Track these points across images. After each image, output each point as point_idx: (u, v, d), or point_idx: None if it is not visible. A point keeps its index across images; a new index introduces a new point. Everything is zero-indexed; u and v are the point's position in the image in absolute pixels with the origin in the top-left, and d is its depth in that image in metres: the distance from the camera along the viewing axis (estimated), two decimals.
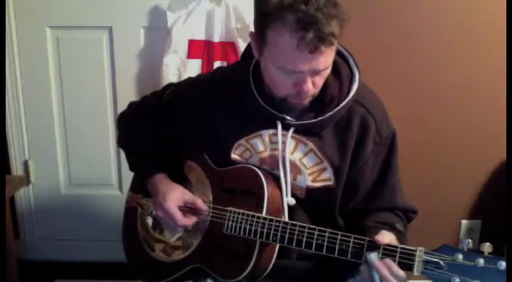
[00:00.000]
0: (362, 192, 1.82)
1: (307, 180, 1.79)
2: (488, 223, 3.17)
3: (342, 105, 1.73)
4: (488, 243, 1.38)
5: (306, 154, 1.78)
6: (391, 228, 1.72)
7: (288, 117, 1.75)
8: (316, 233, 1.62)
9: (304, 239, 1.63)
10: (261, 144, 1.81)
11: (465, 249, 1.40)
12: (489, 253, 1.37)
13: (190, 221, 1.84)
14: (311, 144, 1.76)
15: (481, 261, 1.35)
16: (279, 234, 1.67)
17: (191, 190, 1.92)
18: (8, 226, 2.63)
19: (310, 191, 1.80)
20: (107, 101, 3.16)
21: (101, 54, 3.09)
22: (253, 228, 1.71)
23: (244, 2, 2.75)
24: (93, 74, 3.13)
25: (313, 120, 1.74)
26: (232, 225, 1.76)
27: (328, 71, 1.66)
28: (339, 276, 1.85)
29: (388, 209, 1.84)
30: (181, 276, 1.92)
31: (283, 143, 1.76)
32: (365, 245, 1.56)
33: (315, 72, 1.60)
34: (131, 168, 2.07)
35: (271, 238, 1.68)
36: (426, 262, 1.43)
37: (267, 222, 1.69)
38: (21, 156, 3.25)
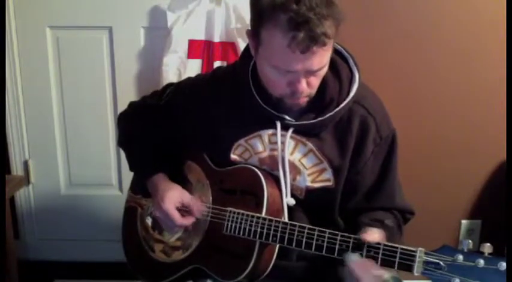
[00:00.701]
0: (361, 192, 1.82)
1: (307, 180, 1.79)
2: (488, 223, 3.17)
3: (341, 105, 1.73)
4: (488, 244, 1.38)
5: (305, 154, 1.77)
6: (381, 224, 1.72)
7: (288, 117, 1.75)
8: (316, 233, 1.62)
9: (304, 240, 1.63)
10: (260, 144, 1.81)
11: (465, 250, 1.40)
12: (489, 254, 1.37)
13: (188, 221, 1.85)
14: (310, 145, 1.76)
15: (481, 261, 1.35)
16: (279, 234, 1.67)
17: (191, 190, 1.93)
18: (8, 226, 2.63)
19: (309, 191, 1.80)
20: (107, 101, 3.16)
21: (101, 54, 3.09)
22: (252, 229, 1.71)
23: (244, 2, 2.75)
24: (93, 74, 3.13)
25: (313, 121, 1.73)
26: (232, 225, 1.76)
27: (324, 71, 1.65)
28: (338, 277, 1.85)
29: (386, 208, 1.83)
30: (181, 277, 1.92)
31: (283, 143, 1.76)
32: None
33: (309, 72, 1.60)
34: (131, 168, 2.07)
35: (270, 238, 1.68)
36: (426, 263, 1.43)
37: (266, 222, 1.69)
38: (21, 156, 3.25)
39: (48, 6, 3.02)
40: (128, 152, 2.09)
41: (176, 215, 1.83)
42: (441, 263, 1.40)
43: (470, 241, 1.40)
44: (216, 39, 2.86)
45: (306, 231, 1.64)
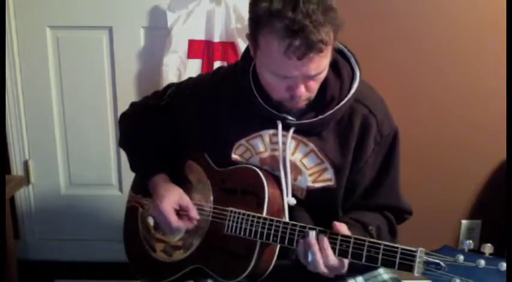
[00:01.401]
0: (360, 190, 1.82)
1: (308, 180, 1.78)
2: (488, 223, 3.17)
3: (342, 103, 1.72)
4: (489, 244, 1.37)
5: (306, 155, 1.77)
6: (364, 228, 1.73)
7: (289, 117, 1.75)
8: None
9: None
10: (261, 144, 1.81)
11: (466, 250, 1.40)
12: (490, 254, 1.37)
13: (184, 223, 1.84)
14: (312, 145, 1.76)
15: (482, 262, 1.35)
16: (280, 234, 1.67)
17: (192, 190, 1.93)
18: (8, 226, 2.63)
19: (310, 191, 1.80)
20: (107, 101, 3.16)
21: (101, 54, 3.10)
22: (253, 229, 1.70)
23: (244, 2, 2.75)
24: (93, 74, 3.13)
25: (314, 119, 1.73)
26: (232, 225, 1.75)
27: (323, 75, 1.65)
28: (339, 277, 1.84)
29: (382, 207, 1.83)
30: (182, 277, 1.91)
31: (284, 143, 1.76)
32: (365, 246, 1.55)
33: (308, 77, 1.59)
34: (132, 168, 2.07)
35: (271, 238, 1.68)
36: (427, 263, 1.43)
37: (267, 222, 1.69)
38: (21, 156, 3.25)
39: (48, 6, 3.02)
40: (129, 153, 2.09)
41: (173, 217, 1.83)
42: (442, 263, 1.40)
43: (470, 241, 1.40)
44: (216, 39, 2.86)
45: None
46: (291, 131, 1.75)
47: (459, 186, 3.11)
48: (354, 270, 1.81)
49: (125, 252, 2.12)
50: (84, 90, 3.16)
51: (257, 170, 1.77)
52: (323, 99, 1.73)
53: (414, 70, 2.97)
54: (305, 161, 1.77)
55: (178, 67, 2.89)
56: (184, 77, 2.68)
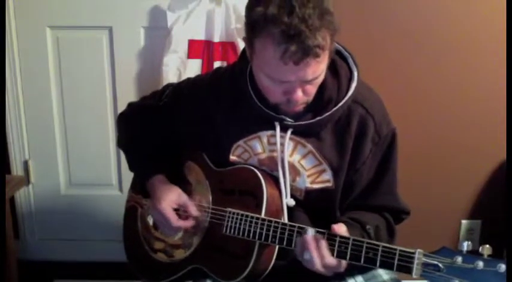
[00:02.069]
0: (358, 190, 1.82)
1: (306, 182, 1.79)
2: (488, 223, 3.17)
3: (339, 105, 1.72)
4: (487, 246, 1.37)
5: (304, 156, 1.77)
6: (361, 227, 1.72)
7: (286, 118, 1.75)
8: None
9: None
10: (259, 145, 1.81)
11: (465, 251, 1.40)
12: (488, 255, 1.37)
13: (184, 223, 1.85)
14: (310, 146, 1.76)
15: (481, 264, 1.34)
16: (278, 235, 1.67)
17: (190, 191, 1.93)
18: (8, 226, 2.62)
19: (309, 192, 1.80)
20: (107, 101, 3.16)
21: (101, 54, 3.09)
22: (252, 229, 1.71)
23: (244, 2, 2.72)
24: (93, 74, 3.13)
25: (311, 121, 1.73)
26: (231, 226, 1.75)
27: (320, 79, 1.64)
28: (338, 278, 1.84)
29: (379, 208, 1.83)
30: (181, 277, 1.92)
31: (282, 144, 1.76)
32: (364, 248, 1.55)
33: (305, 82, 1.59)
34: (131, 168, 2.08)
35: (270, 239, 1.68)
36: (425, 265, 1.43)
37: (266, 223, 1.69)
38: (21, 156, 3.25)
39: (48, 6, 3.02)
40: (127, 153, 2.10)
41: (172, 216, 1.83)
42: (440, 265, 1.40)
43: (469, 243, 1.40)
44: (216, 39, 2.86)
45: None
46: (289, 132, 1.75)
47: (459, 186, 3.11)
48: (353, 270, 1.82)
49: (125, 252, 2.12)
50: (84, 90, 3.15)
51: (256, 170, 1.78)
52: (321, 100, 1.72)
53: (414, 70, 2.97)
54: (303, 162, 1.78)
55: (178, 67, 2.89)
56: (184, 77, 2.67)
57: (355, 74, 1.76)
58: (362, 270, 1.87)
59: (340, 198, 1.81)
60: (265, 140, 1.80)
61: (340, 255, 1.57)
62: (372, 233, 1.73)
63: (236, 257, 1.76)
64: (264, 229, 1.69)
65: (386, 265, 1.49)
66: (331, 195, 1.80)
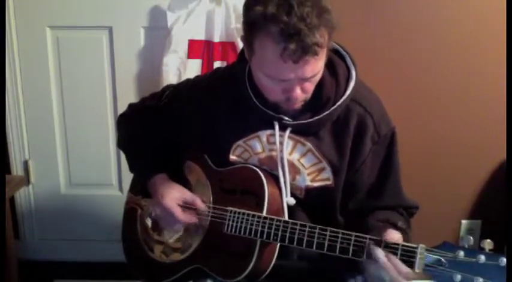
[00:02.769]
0: (362, 191, 1.82)
1: (306, 180, 1.79)
2: (488, 223, 3.17)
3: (338, 103, 1.73)
4: (489, 240, 1.38)
5: (304, 154, 1.78)
6: (394, 226, 1.71)
7: (285, 118, 1.75)
8: (317, 231, 1.62)
9: (305, 238, 1.63)
10: (259, 145, 1.81)
11: (466, 246, 1.40)
12: (490, 250, 1.37)
13: (190, 218, 1.85)
14: (309, 145, 1.76)
15: (482, 257, 1.35)
16: (280, 233, 1.67)
17: (191, 190, 1.93)
18: (8, 226, 2.63)
19: (309, 191, 1.80)
20: (107, 101, 3.17)
21: (101, 54, 3.10)
22: (253, 228, 1.71)
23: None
24: (93, 74, 3.13)
25: (310, 120, 1.73)
26: (232, 225, 1.76)
27: (318, 76, 1.65)
28: (339, 277, 1.85)
29: (390, 207, 1.83)
30: (181, 277, 1.92)
31: (281, 143, 1.76)
32: (367, 243, 1.55)
33: (303, 80, 1.60)
34: (131, 169, 2.08)
35: (271, 237, 1.68)
36: (427, 259, 1.43)
37: (267, 221, 1.69)
38: (21, 156, 3.25)
39: (48, 6, 3.02)
40: (127, 154, 2.10)
41: (178, 211, 1.83)
42: (442, 259, 1.40)
43: (471, 237, 1.41)
44: (216, 39, 2.87)
45: (307, 229, 1.63)
46: (288, 131, 1.75)
47: (459, 186, 3.11)
48: (353, 270, 1.82)
49: (124, 254, 2.12)
50: (84, 90, 3.16)
51: (257, 169, 1.78)
52: (319, 99, 1.73)
53: (414, 70, 2.97)
54: (303, 160, 1.78)
55: (178, 67, 2.90)
56: (184, 77, 2.68)
57: (353, 72, 1.76)
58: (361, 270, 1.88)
59: (342, 198, 1.82)
60: (264, 139, 1.80)
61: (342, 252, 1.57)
62: (405, 227, 1.74)
63: (237, 256, 1.75)
64: (266, 227, 1.69)
65: None
66: (331, 194, 1.80)
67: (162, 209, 1.85)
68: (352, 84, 1.74)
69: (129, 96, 3.01)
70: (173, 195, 1.85)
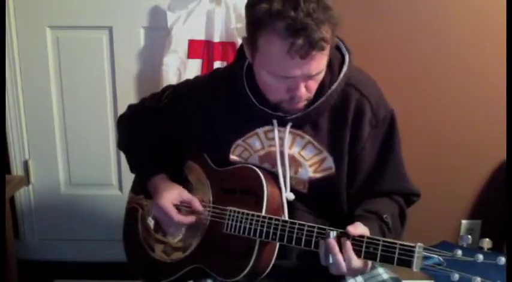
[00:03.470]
0: (361, 176, 1.81)
1: (309, 172, 1.79)
2: (488, 223, 3.16)
3: (332, 88, 1.73)
4: (487, 239, 1.38)
5: (304, 147, 1.78)
6: (378, 218, 1.71)
7: (283, 115, 1.75)
8: (315, 230, 1.62)
9: (304, 237, 1.63)
10: (258, 142, 1.82)
11: (465, 246, 1.40)
12: (488, 249, 1.37)
13: (186, 218, 1.85)
14: (308, 137, 1.77)
15: (480, 256, 1.35)
16: (278, 232, 1.67)
17: (191, 190, 1.93)
18: (8, 226, 2.62)
19: (312, 182, 1.80)
20: (107, 101, 3.17)
21: (101, 54, 3.10)
22: (252, 227, 1.71)
23: (244, 2, 2.72)
24: (93, 74, 3.13)
25: (308, 110, 1.73)
26: (232, 224, 1.76)
27: (322, 75, 1.66)
28: (338, 277, 1.84)
29: (389, 192, 1.83)
30: (181, 277, 1.92)
31: (281, 138, 1.77)
32: (364, 242, 1.55)
33: (308, 77, 1.60)
34: (132, 169, 2.09)
35: (270, 236, 1.68)
36: (425, 258, 1.43)
37: (266, 220, 1.69)
38: (21, 156, 3.25)
39: (48, 6, 3.03)
40: (128, 154, 2.10)
41: (173, 212, 1.84)
42: (440, 258, 1.40)
43: (469, 236, 1.40)
44: (216, 39, 2.87)
45: (305, 228, 1.63)
46: (288, 126, 1.76)
47: (459, 186, 3.11)
48: None
49: (125, 253, 2.12)
50: (84, 90, 3.16)
51: (256, 169, 1.78)
52: None
53: (413, 70, 2.97)
54: (303, 153, 1.78)
55: (178, 67, 2.90)
56: (184, 77, 2.69)
57: (347, 57, 1.77)
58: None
59: (345, 185, 1.81)
60: (262, 135, 1.81)
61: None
62: (390, 221, 1.72)
63: (236, 255, 1.75)
64: (265, 227, 1.69)
65: (387, 259, 1.49)
66: (335, 183, 1.79)
67: (159, 209, 1.86)
68: (345, 68, 1.75)
69: (129, 96, 3.02)
70: (170, 196, 1.86)
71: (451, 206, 3.13)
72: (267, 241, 1.70)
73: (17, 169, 3.26)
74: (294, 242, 1.65)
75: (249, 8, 1.60)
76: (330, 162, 1.78)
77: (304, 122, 1.76)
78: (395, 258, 1.47)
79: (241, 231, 1.73)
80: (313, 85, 1.66)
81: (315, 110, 1.73)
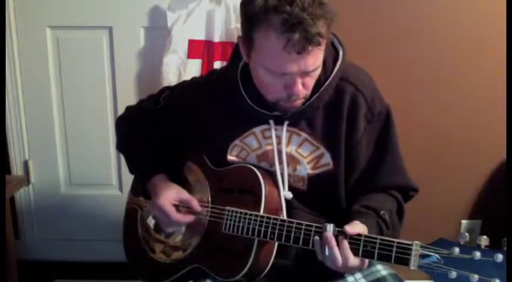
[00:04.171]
0: (358, 171, 1.81)
1: (307, 168, 1.79)
2: (488, 223, 3.17)
3: (326, 83, 1.72)
4: (485, 237, 1.38)
5: (300, 144, 1.78)
6: (376, 214, 1.71)
7: (279, 114, 1.76)
8: (313, 229, 1.61)
9: (302, 236, 1.63)
10: (255, 141, 1.82)
11: (462, 243, 1.40)
12: (486, 246, 1.37)
13: (185, 218, 1.85)
14: (304, 134, 1.77)
15: (478, 254, 1.35)
16: (277, 231, 1.67)
17: (190, 190, 1.93)
18: (8, 226, 2.62)
19: (311, 179, 1.80)
20: (107, 101, 3.17)
21: (101, 54, 3.10)
22: (251, 227, 1.71)
23: None
24: (93, 74, 3.13)
25: (303, 107, 1.73)
26: (230, 224, 1.76)
27: (319, 71, 1.66)
28: (337, 276, 1.84)
29: (387, 187, 1.82)
30: (181, 277, 1.92)
31: (278, 137, 1.77)
32: (361, 241, 1.54)
33: (305, 73, 1.60)
34: (131, 171, 2.09)
35: (268, 236, 1.68)
36: (422, 256, 1.43)
37: (264, 220, 1.69)
38: (21, 156, 3.26)
39: (48, 6, 3.03)
40: (126, 156, 2.11)
41: (172, 211, 1.84)
42: (437, 256, 1.40)
43: (467, 234, 1.40)
44: (216, 39, 2.87)
45: (303, 227, 1.63)
46: (285, 124, 1.76)
47: (459, 186, 3.11)
48: None
49: (125, 254, 2.12)
50: (84, 90, 3.16)
51: (254, 169, 1.78)
52: None
53: (414, 69, 2.97)
54: (300, 150, 1.79)
55: (179, 67, 2.90)
56: (184, 77, 2.69)
57: (340, 53, 1.77)
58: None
59: (344, 181, 1.81)
60: (259, 134, 1.81)
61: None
62: (387, 217, 1.72)
63: (235, 255, 1.75)
64: (263, 226, 1.69)
65: (384, 258, 1.49)
66: (333, 179, 1.79)
67: (157, 209, 1.86)
68: (339, 62, 1.75)
69: (129, 96, 3.02)
70: (169, 195, 1.86)
71: (451, 205, 3.14)
72: (266, 241, 1.70)
73: (17, 169, 3.26)
74: (292, 241, 1.65)
75: (245, 4, 1.60)
76: (327, 158, 1.78)
77: (300, 118, 1.76)
78: (393, 257, 1.47)
79: (240, 231, 1.73)
80: (310, 82, 1.66)
81: (310, 106, 1.73)
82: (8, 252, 2.63)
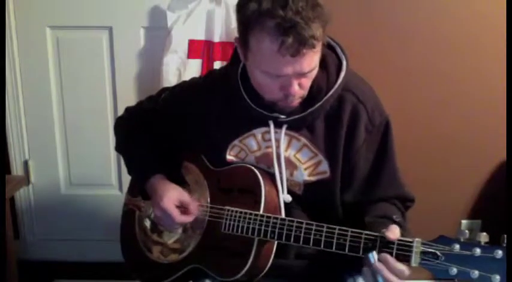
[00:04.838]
0: (357, 182, 1.81)
1: (304, 174, 1.79)
2: (488, 223, 3.16)
3: (329, 93, 1.72)
4: (484, 233, 1.38)
5: (299, 149, 1.78)
6: (390, 220, 1.69)
7: (281, 116, 1.75)
8: (313, 228, 1.61)
9: (302, 235, 1.62)
10: (254, 143, 1.82)
11: (462, 240, 1.40)
12: (485, 242, 1.37)
13: (187, 218, 1.85)
14: (304, 140, 1.76)
15: (478, 250, 1.35)
16: (277, 230, 1.67)
17: (189, 191, 1.93)
18: (8, 226, 2.63)
19: (307, 185, 1.80)
20: (107, 101, 3.17)
21: (101, 54, 3.10)
22: (250, 226, 1.70)
23: None
24: (93, 74, 3.14)
25: (304, 113, 1.73)
26: (230, 224, 1.76)
27: (315, 72, 1.65)
28: (337, 276, 1.84)
29: (385, 198, 1.82)
30: (180, 277, 1.92)
31: (277, 140, 1.77)
32: (362, 238, 1.55)
33: (300, 75, 1.60)
34: (130, 172, 2.08)
35: (269, 235, 1.68)
36: (424, 253, 1.43)
37: (264, 219, 1.69)
38: (21, 156, 3.26)
39: (48, 6, 3.03)
40: (126, 156, 2.10)
41: (175, 212, 1.83)
42: (438, 252, 1.40)
43: (466, 231, 1.40)
44: (216, 39, 2.87)
45: (303, 226, 1.63)
46: (284, 128, 1.76)
47: (459, 186, 3.11)
48: (352, 270, 1.83)
49: (122, 255, 2.12)
50: (84, 90, 3.16)
51: (253, 168, 1.78)
52: (310, 91, 1.72)
53: (413, 70, 2.97)
54: (299, 155, 1.78)
55: (178, 67, 2.90)
56: (184, 77, 2.69)
57: (344, 63, 1.77)
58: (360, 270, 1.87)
59: (339, 190, 1.80)
60: (259, 137, 1.81)
61: (339, 248, 1.56)
62: (401, 219, 1.72)
63: (235, 254, 1.75)
64: (263, 225, 1.69)
65: None
66: (329, 187, 1.79)
67: (160, 210, 1.85)
68: (343, 73, 1.74)
69: (129, 96, 3.03)
70: (171, 197, 1.85)
71: (451, 205, 3.14)
72: (266, 240, 1.70)
73: (17, 169, 3.26)
74: (292, 240, 1.64)
75: (239, 8, 1.60)
76: (325, 166, 1.78)
77: (300, 124, 1.76)
78: (394, 254, 1.47)
79: (240, 231, 1.73)
80: (306, 82, 1.66)
81: (311, 113, 1.73)
82: (8, 252, 2.64)
